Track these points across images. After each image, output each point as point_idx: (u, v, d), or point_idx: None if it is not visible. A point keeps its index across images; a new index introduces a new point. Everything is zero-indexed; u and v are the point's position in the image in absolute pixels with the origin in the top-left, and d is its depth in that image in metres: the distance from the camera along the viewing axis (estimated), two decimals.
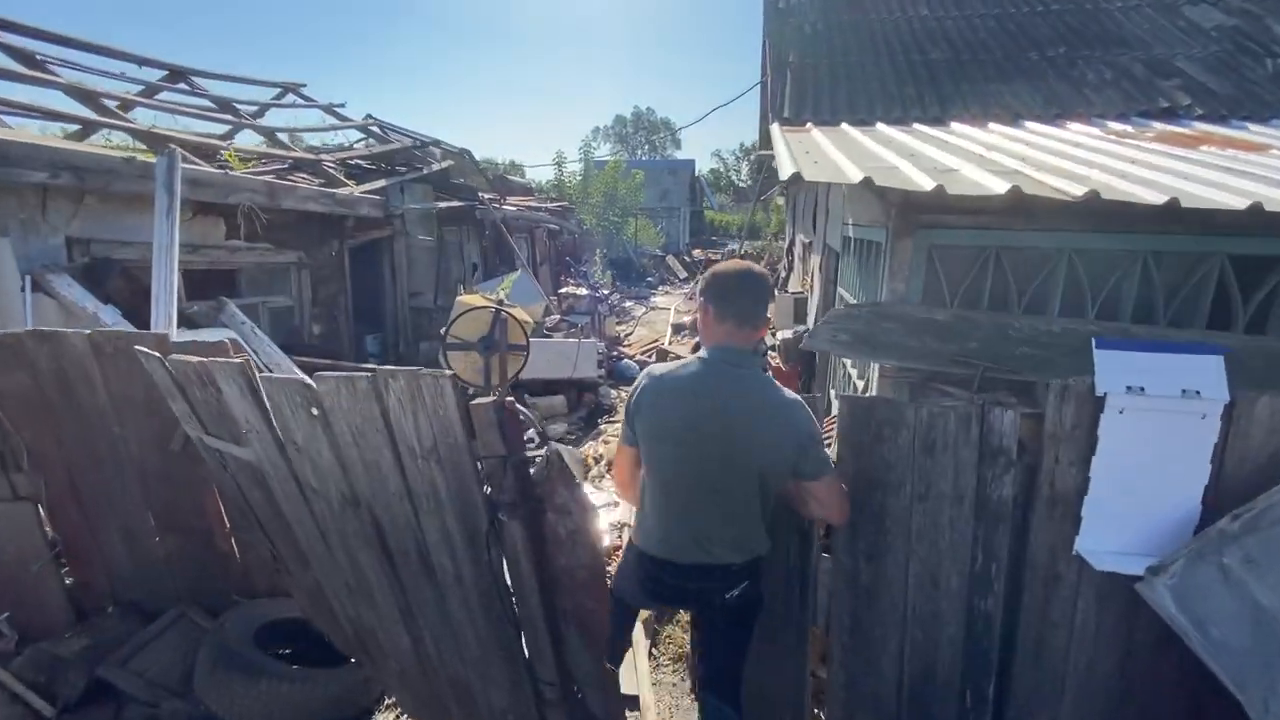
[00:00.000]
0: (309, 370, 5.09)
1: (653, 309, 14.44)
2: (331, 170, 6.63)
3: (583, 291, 9.03)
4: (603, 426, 6.61)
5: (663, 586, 1.87)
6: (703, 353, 1.80)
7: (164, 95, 6.47)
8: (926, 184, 2.30)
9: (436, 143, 8.98)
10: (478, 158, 11.20)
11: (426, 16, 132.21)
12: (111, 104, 5.53)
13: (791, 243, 9.24)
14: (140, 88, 6.39)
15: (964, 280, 2.73)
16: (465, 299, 5.30)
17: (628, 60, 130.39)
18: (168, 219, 3.93)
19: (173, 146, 4.12)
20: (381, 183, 6.98)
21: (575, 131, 49.22)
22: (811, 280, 6.40)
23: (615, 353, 9.23)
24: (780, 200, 12.09)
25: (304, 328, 6.09)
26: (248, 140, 7.13)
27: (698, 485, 1.72)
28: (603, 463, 5.55)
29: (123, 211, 4.19)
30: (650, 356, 8.84)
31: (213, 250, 4.91)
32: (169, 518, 2.88)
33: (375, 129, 8.72)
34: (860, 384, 3.39)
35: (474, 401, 1.76)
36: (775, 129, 4.30)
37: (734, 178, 60.76)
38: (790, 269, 9.18)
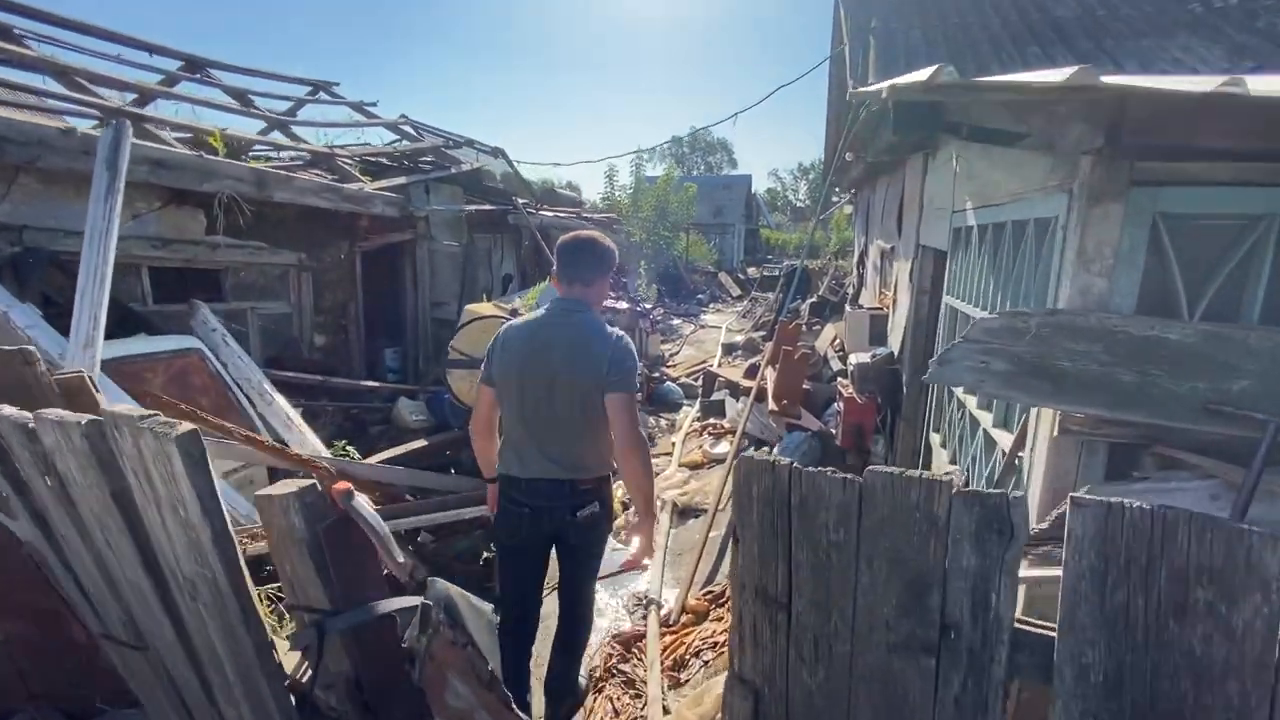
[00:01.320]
0: (298, 389, 4.21)
1: (702, 327, 13.40)
2: (346, 166, 6.01)
3: (622, 305, 8.12)
4: None
5: (521, 506, 2.12)
6: (550, 302, 2.15)
7: (182, 86, 6.02)
8: (1197, 84, 1.23)
9: (470, 142, 8.35)
10: (533, 179, 10.54)
11: (483, 43, 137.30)
12: (126, 97, 5.06)
13: (863, 253, 8.08)
14: (159, 77, 5.95)
15: (1216, 273, 1.62)
16: (474, 307, 4.47)
17: (684, 82, 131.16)
18: (106, 200, 3.24)
19: (123, 119, 3.47)
20: (401, 180, 6.31)
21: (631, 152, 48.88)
22: (895, 292, 5.27)
23: (658, 374, 8.25)
24: (848, 210, 10.91)
25: (304, 339, 5.41)
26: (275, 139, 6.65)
27: (539, 409, 2.04)
28: (663, 508, 4.55)
29: (70, 196, 3.56)
30: (697, 380, 7.81)
31: (188, 246, 4.26)
32: None
33: (407, 128, 8.16)
34: (999, 437, 2.29)
35: (262, 492, 0.82)
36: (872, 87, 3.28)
37: (791, 197, 59.18)
38: (862, 283, 8.00)
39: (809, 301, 9.63)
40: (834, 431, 5.70)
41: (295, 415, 3.94)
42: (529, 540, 2.19)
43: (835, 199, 9.96)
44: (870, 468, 1.03)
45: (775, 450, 5.41)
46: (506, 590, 2.24)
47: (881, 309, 5.87)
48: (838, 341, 8.36)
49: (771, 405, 5.69)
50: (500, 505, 2.19)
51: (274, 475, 3.86)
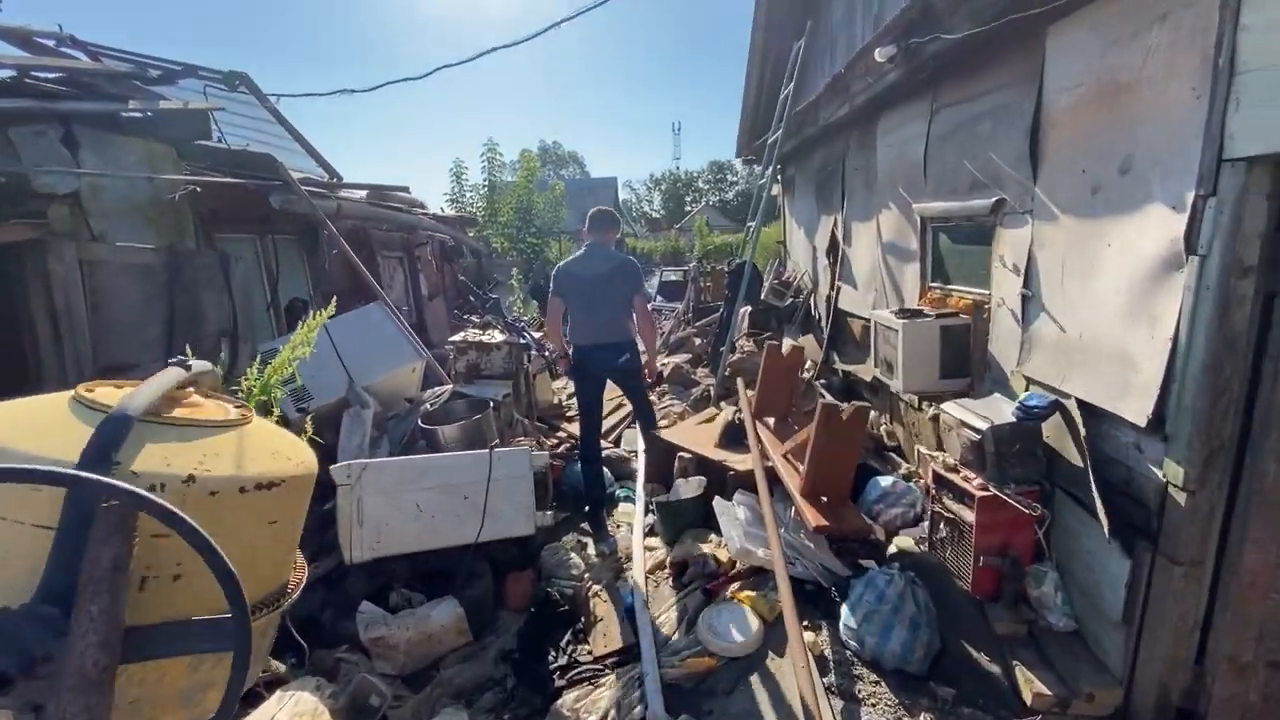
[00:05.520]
0: None
1: None
2: None
3: (498, 336, 5.06)
4: (579, 708, 2.43)
5: (591, 359, 3.88)
6: (584, 246, 3.86)
7: None
8: None
9: (193, 69, 4.72)
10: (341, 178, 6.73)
11: (310, 57, 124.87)
12: None
13: (836, 240, 5.72)
14: None
15: None
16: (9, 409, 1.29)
17: (530, 95, 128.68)
18: None
19: None
20: None
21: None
22: (1030, 283, 2.79)
23: (556, 439, 5.27)
24: (775, 191, 8.66)
25: None
26: None
27: (598, 305, 3.77)
28: None
29: None
30: (628, 451, 4.95)
31: None
32: None
33: (72, 51, 4.46)
34: None
35: None
36: None
37: (646, 208, 58.02)
38: (837, 280, 5.63)
39: (746, 310, 7.16)
40: (928, 547, 3.13)
41: None
42: (595, 377, 3.99)
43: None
44: None
45: (848, 615, 2.69)
46: (584, 401, 4.08)
47: (956, 314, 3.43)
48: (809, 365, 5.96)
49: (805, 510, 2.98)
50: (575, 362, 3.97)
51: None
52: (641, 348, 4.00)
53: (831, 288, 5.82)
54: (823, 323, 5.95)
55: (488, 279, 9.54)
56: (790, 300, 7.11)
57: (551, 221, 17.37)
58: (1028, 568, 2.60)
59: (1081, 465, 2.40)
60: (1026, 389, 2.79)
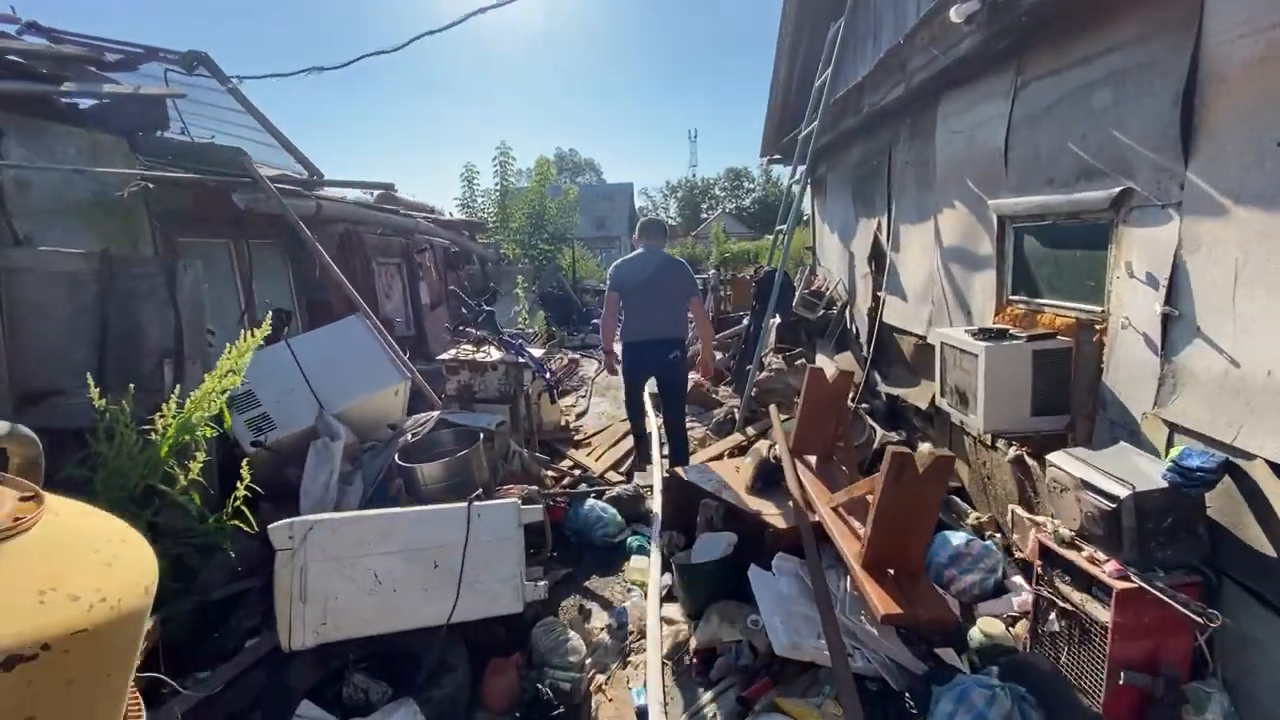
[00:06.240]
0: None
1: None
2: None
3: (494, 354, 4.46)
4: None
5: (642, 355, 4.07)
6: (640, 249, 4.10)
7: None
8: None
9: (154, 51, 4.19)
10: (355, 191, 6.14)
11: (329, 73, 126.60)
12: None
13: (879, 245, 5.04)
14: None
15: None
16: None
17: (546, 105, 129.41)
18: None
19: None
20: None
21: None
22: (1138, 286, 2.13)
23: (559, 470, 4.64)
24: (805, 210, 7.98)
25: None
26: None
27: (652, 302, 3.98)
28: None
29: None
30: (642, 487, 4.30)
31: None
32: None
33: (37, 40, 3.98)
34: None
35: None
36: None
37: (662, 215, 57.45)
38: (878, 291, 4.95)
39: (774, 322, 6.50)
40: (1029, 639, 2.46)
41: None
42: (643, 373, 4.20)
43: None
44: None
45: None
46: (632, 402, 4.35)
47: (1053, 336, 2.75)
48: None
49: (869, 590, 2.32)
50: (625, 359, 4.13)
51: None
52: (698, 346, 4.41)
53: (874, 300, 5.14)
54: (862, 339, 5.28)
55: (488, 288, 8.98)
56: (822, 312, 6.44)
57: (564, 227, 16.84)
58: (1185, 686, 1.92)
59: (1275, 554, 1.72)
60: (1170, 440, 2.11)
